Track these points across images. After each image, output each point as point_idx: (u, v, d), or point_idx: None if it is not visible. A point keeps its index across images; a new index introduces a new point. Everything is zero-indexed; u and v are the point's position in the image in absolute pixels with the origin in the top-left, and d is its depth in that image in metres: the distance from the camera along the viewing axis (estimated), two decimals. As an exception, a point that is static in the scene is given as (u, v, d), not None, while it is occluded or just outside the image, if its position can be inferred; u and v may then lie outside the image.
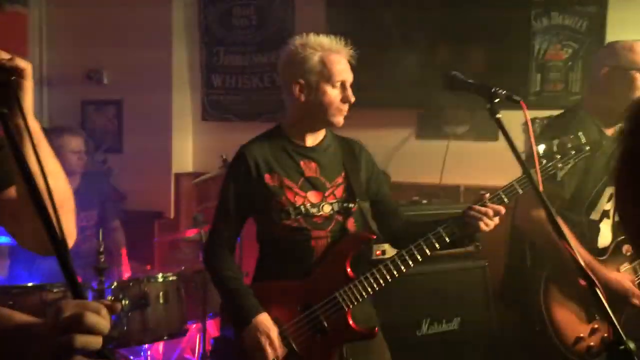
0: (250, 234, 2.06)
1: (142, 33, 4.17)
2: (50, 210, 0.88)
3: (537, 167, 1.71)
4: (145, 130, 4.23)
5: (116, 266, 3.42)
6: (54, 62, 4.50)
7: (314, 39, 1.87)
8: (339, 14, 3.63)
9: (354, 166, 1.98)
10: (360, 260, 1.94)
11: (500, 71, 3.25)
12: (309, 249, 1.88)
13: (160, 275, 2.87)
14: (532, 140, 1.62)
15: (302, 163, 1.92)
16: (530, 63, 3.35)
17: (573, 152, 1.91)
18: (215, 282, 1.97)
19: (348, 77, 1.89)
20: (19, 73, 1.03)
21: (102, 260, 2.62)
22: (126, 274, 3.29)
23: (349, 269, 1.86)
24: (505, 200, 1.85)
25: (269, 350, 1.78)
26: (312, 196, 1.90)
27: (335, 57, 1.87)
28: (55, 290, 2.57)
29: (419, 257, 1.84)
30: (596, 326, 2.15)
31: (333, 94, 1.87)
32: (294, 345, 1.84)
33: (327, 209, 1.90)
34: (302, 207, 1.87)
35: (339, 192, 1.93)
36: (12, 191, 1.21)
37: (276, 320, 1.84)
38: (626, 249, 2.26)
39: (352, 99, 1.89)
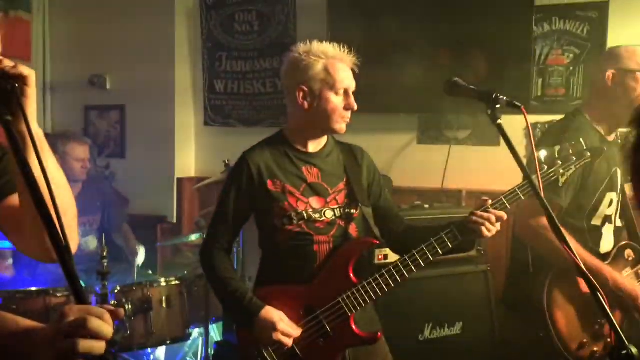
0: (252, 239, 2.07)
1: (145, 39, 4.19)
2: (54, 217, 0.89)
3: (538, 173, 1.71)
4: (148, 135, 4.25)
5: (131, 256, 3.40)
6: (57, 68, 4.53)
7: (318, 46, 1.89)
8: (341, 20, 3.65)
9: (355, 172, 1.99)
10: (363, 265, 1.95)
11: (502, 76, 3.26)
12: (312, 253, 1.89)
13: (163, 279, 2.88)
14: (533, 146, 1.63)
15: (304, 169, 1.93)
16: (532, 68, 3.36)
17: (574, 159, 1.91)
18: (213, 283, 1.98)
19: (351, 84, 1.90)
20: (22, 80, 1.04)
21: (105, 264, 2.63)
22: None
23: (351, 274, 1.87)
24: (508, 206, 1.85)
25: (285, 340, 1.78)
26: (314, 202, 1.90)
27: (339, 64, 1.88)
28: (58, 294, 2.58)
29: (422, 262, 1.84)
30: (599, 331, 2.15)
31: (336, 101, 1.88)
32: (297, 349, 1.84)
33: (329, 214, 1.91)
34: (304, 212, 1.88)
35: (341, 197, 1.94)
36: (14, 199, 1.22)
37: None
38: (628, 254, 2.26)
39: (355, 107, 1.90)
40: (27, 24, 4.38)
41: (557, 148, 1.92)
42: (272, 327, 1.79)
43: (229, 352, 2.84)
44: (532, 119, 3.27)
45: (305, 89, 1.87)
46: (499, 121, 1.57)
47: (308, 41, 1.91)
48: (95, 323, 0.86)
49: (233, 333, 2.00)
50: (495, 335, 2.94)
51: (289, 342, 1.80)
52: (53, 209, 0.89)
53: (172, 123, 4.21)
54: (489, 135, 3.51)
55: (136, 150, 4.33)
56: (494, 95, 1.58)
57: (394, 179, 3.47)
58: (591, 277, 1.29)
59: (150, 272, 3.59)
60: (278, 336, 1.79)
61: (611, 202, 2.23)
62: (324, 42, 1.92)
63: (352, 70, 1.92)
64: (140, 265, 3.39)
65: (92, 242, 3.48)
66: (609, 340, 2.13)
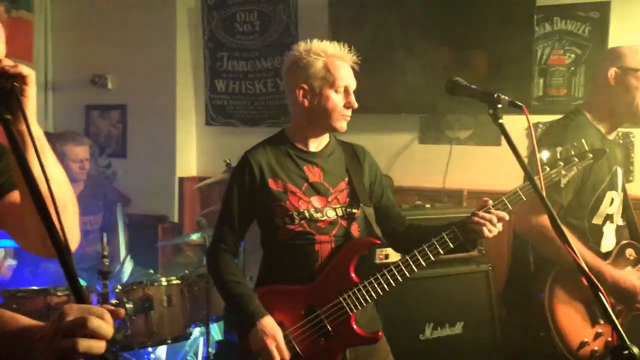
0: (254, 239, 2.07)
1: (147, 38, 4.20)
2: (53, 215, 0.89)
3: (540, 173, 1.71)
4: (150, 134, 4.26)
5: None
6: (59, 67, 4.53)
7: (318, 44, 1.89)
8: (342, 19, 3.65)
9: (357, 171, 1.99)
10: (364, 264, 1.95)
11: (503, 76, 3.26)
12: (313, 253, 1.89)
13: (163, 278, 2.88)
14: (535, 146, 1.63)
15: (305, 168, 1.93)
16: (533, 68, 3.36)
17: (576, 160, 1.91)
18: (218, 286, 1.97)
19: (351, 82, 1.91)
20: (22, 80, 1.05)
21: (107, 263, 2.64)
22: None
23: (353, 274, 1.87)
24: (510, 207, 1.85)
25: (275, 353, 1.78)
26: (316, 201, 1.91)
27: (339, 63, 1.88)
28: (59, 293, 2.58)
29: (423, 262, 1.85)
30: (600, 330, 2.15)
31: (336, 99, 1.88)
32: (298, 349, 1.84)
33: (330, 214, 1.91)
34: (306, 212, 1.88)
35: (343, 197, 1.94)
36: (15, 195, 1.23)
37: (280, 324, 1.85)
38: (629, 253, 2.26)
39: (355, 105, 1.90)
40: (29, 24, 4.38)
41: (559, 149, 1.92)
42: (271, 335, 1.78)
43: (230, 351, 2.84)
44: (534, 119, 3.27)
45: (306, 87, 1.88)
46: (500, 121, 1.57)
47: (308, 40, 1.91)
48: (95, 322, 0.86)
49: (234, 332, 2.00)
50: (496, 335, 2.94)
51: (277, 357, 1.78)
52: (52, 207, 0.90)
53: (173, 122, 4.22)
54: (490, 135, 3.51)
55: (137, 150, 4.34)
56: (496, 95, 1.58)
57: (395, 179, 3.47)
58: (593, 277, 1.29)
59: (151, 271, 3.60)
60: (272, 347, 1.77)
61: (612, 200, 2.23)
62: (325, 41, 1.92)
63: (353, 69, 1.92)
64: (125, 274, 3.39)
65: (94, 242, 3.49)
66: (609, 339, 2.13)
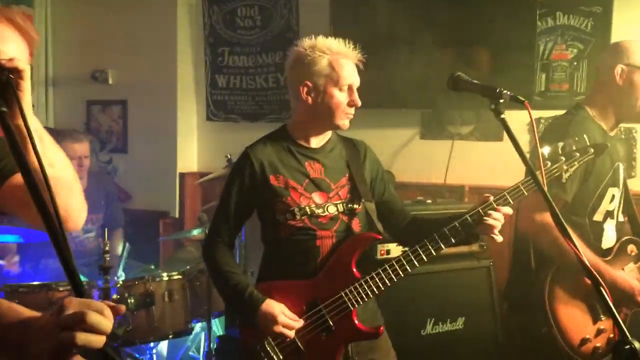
0: (255, 235, 2.07)
1: (147, 33, 4.19)
2: (54, 216, 0.88)
3: (542, 169, 1.71)
4: (150, 130, 4.26)
5: None
6: (60, 63, 4.53)
7: (323, 41, 1.88)
8: (343, 14, 3.63)
9: (358, 167, 1.99)
10: (365, 260, 1.95)
11: (505, 71, 3.25)
12: (315, 248, 1.89)
13: (165, 274, 2.88)
14: (537, 141, 1.62)
15: (307, 164, 1.93)
16: (535, 63, 3.35)
17: (578, 155, 1.91)
18: (214, 277, 1.99)
19: (355, 81, 1.90)
20: (18, 74, 1.06)
21: (108, 259, 2.64)
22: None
23: (354, 269, 1.87)
24: (511, 202, 1.85)
25: (286, 332, 1.79)
26: (317, 197, 1.90)
27: (344, 60, 1.88)
28: (61, 289, 2.58)
29: (424, 257, 1.85)
30: (602, 327, 2.15)
31: (340, 97, 1.88)
32: (299, 344, 1.85)
33: (332, 209, 1.91)
34: (307, 207, 1.88)
35: (344, 193, 1.94)
36: (17, 178, 1.24)
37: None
38: (631, 249, 2.26)
39: (359, 103, 1.90)
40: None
41: (560, 144, 1.91)
42: (273, 319, 1.79)
43: (232, 347, 2.84)
44: (536, 114, 3.26)
45: (310, 84, 1.87)
46: (502, 116, 1.56)
47: (313, 36, 1.91)
48: (94, 317, 0.86)
49: (235, 327, 2.00)
50: (497, 331, 2.94)
51: (290, 334, 1.81)
52: (51, 205, 0.90)
53: (174, 118, 4.21)
54: (492, 130, 3.50)
55: (138, 145, 4.34)
56: (498, 90, 1.57)
57: (397, 175, 3.46)
58: (594, 273, 1.28)
59: (152, 266, 3.60)
60: (279, 328, 1.79)
61: (613, 197, 2.23)
62: (328, 37, 1.91)
63: (357, 66, 1.92)
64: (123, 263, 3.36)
65: (94, 239, 3.49)
66: (611, 335, 2.13)
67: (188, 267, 3.06)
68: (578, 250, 1.32)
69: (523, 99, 1.54)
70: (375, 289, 1.85)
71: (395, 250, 2.72)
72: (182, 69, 4.23)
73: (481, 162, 3.50)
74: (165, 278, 2.84)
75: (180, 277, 2.88)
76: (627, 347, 1.20)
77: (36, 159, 0.95)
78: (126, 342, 2.71)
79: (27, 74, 1.07)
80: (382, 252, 2.77)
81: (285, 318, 1.81)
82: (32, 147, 0.97)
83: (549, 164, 1.88)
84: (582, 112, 2.24)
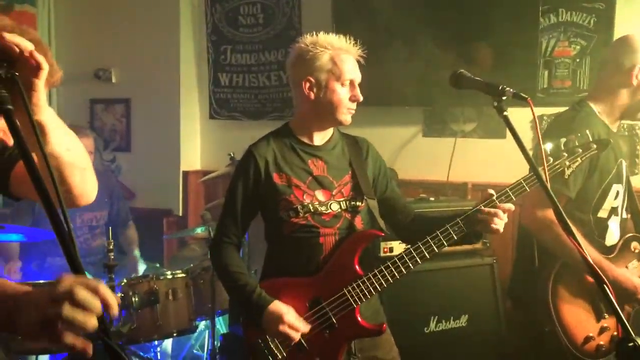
0: (258, 232, 2.08)
1: (150, 32, 4.19)
2: (57, 213, 0.89)
3: (545, 165, 1.70)
4: (154, 128, 4.26)
5: (128, 264, 3.46)
6: (63, 61, 4.51)
7: (324, 37, 1.89)
8: (346, 12, 3.63)
9: (361, 164, 1.99)
10: (368, 257, 1.95)
11: (508, 68, 3.24)
12: (317, 245, 1.89)
13: (169, 272, 2.90)
14: (539, 138, 1.62)
15: (310, 162, 1.93)
16: (538, 60, 3.34)
17: (580, 150, 1.91)
18: (222, 278, 1.99)
19: (357, 76, 1.91)
20: (35, 71, 1.05)
21: (112, 257, 2.65)
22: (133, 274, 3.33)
23: (357, 266, 1.88)
24: (513, 198, 1.85)
25: (292, 334, 1.80)
26: (320, 195, 1.91)
27: (345, 56, 1.89)
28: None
29: (427, 254, 1.85)
30: (605, 325, 2.14)
31: (342, 92, 1.88)
32: (302, 341, 1.85)
33: (335, 207, 1.91)
34: (310, 205, 1.89)
35: (347, 190, 1.94)
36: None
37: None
38: (634, 246, 2.26)
39: (361, 98, 1.91)
40: (32, 18, 4.39)
41: (562, 140, 1.91)
42: (279, 320, 1.80)
43: (235, 344, 2.85)
44: (538, 111, 3.25)
45: (312, 80, 1.88)
46: (505, 113, 1.56)
47: (314, 33, 1.91)
48: (82, 294, 0.85)
49: (239, 325, 2.01)
50: (500, 328, 2.94)
51: (296, 336, 1.81)
52: (57, 199, 0.90)
53: (177, 116, 4.22)
54: (494, 127, 3.49)
55: (142, 144, 4.34)
56: (500, 87, 1.57)
57: (399, 172, 3.46)
58: (597, 270, 1.29)
59: (157, 265, 3.62)
60: (285, 329, 1.80)
61: (617, 194, 2.23)
62: (330, 33, 1.92)
63: (358, 62, 1.92)
64: (137, 270, 3.44)
65: (99, 237, 3.50)
66: (615, 333, 2.13)
67: (192, 265, 3.08)
68: (580, 247, 1.32)
69: (526, 96, 1.54)
70: (378, 286, 1.85)
71: (398, 247, 2.73)
72: (185, 67, 4.24)
73: (484, 159, 3.50)
74: (169, 276, 2.85)
75: (184, 275, 2.89)
76: (630, 344, 1.21)
77: (43, 157, 0.95)
78: (130, 340, 2.73)
79: (44, 74, 1.07)
80: (385, 249, 2.77)
81: (292, 319, 1.82)
82: (38, 143, 0.98)
83: (551, 160, 1.88)
84: (585, 108, 2.23)
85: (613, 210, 2.24)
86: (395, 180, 3.06)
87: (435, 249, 1.85)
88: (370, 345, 1.94)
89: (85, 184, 1.33)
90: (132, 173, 4.30)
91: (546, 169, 1.75)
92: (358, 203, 1.93)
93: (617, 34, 3.17)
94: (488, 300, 2.95)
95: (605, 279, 1.26)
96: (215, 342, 2.98)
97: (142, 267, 3.49)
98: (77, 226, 3.38)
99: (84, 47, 4.41)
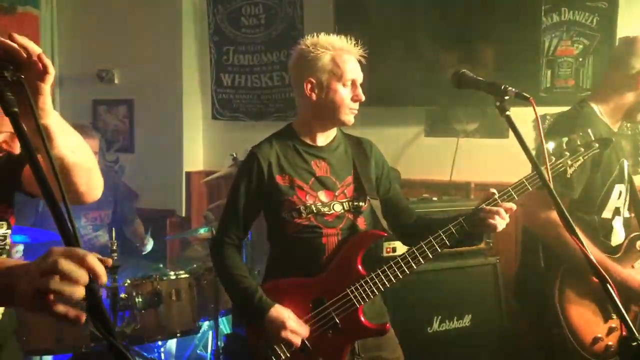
0: (260, 233, 2.08)
1: (152, 33, 4.20)
2: (61, 212, 0.90)
3: (547, 164, 1.70)
4: (156, 129, 4.27)
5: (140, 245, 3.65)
6: (66, 63, 4.54)
7: (325, 38, 1.90)
8: (348, 12, 3.63)
9: (364, 165, 1.99)
10: (371, 257, 1.95)
11: (510, 68, 3.24)
12: (320, 246, 1.89)
13: (172, 273, 2.90)
14: (542, 137, 1.62)
15: (313, 163, 1.94)
16: (541, 59, 3.33)
17: (582, 149, 1.90)
18: (223, 280, 1.99)
19: (358, 76, 1.91)
20: (42, 75, 1.07)
21: (115, 258, 2.65)
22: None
23: (360, 266, 1.88)
24: (515, 197, 1.85)
25: (293, 339, 1.80)
26: (323, 195, 1.91)
27: (346, 56, 1.89)
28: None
29: (430, 254, 1.85)
30: (614, 325, 2.13)
31: (344, 92, 1.88)
32: (306, 341, 1.85)
33: (337, 208, 1.91)
34: (313, 206, 1.89)
35: (350, 191, 1.94)
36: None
37: (288, 317, 1.86)
38: (639, 245, 2.25)
39: (363, 98, 1.91)
40: (35, 19, 4.40)
41: (564, 139, 1.91)
42: (281, 326, 1.80)
43: (239, 345, 2.86)
44: (541, 110, 3.23)
45: (313, 80, 1.88)
46: (507, 113, 1.56)
47: (315, 34, 1.92)
48: (65, 265, 0.86)
49: (242, 326, 2.01)
50: (504, 328, 2.94)
51: (297, 340, 1.82)
52: (61, 198, 0.91)
53: (180, 117, 4.22)
54: (497, 127, 3.49)
55: (145, 145, 4.35)
56: (503, 87, 1.57)
57: (402, 172, 3.46)
58: (600, 269, 1.28)
59: (160, 265, 3.62)
60: (287, 335, 1.80)
61: (620, 194, 2.22)
62: (332, 34, 1.92)
63: (359, 62, 1.92)
64: (148, 251, 3.61)
65: (103, 236, 3.51)
66: (623, 334, 2.12)
67: (195, 265, 3.08)
68: (584, 247, 1.32)
69: (528, 96, 1.54)
70: (381, 287, 1.85)
71: (401, 247, 2.72)
72: (187, 68, 4.24)
73: (487, 159, 3.50)
74: (173, 277, 2.86)
75: (187, 275, 2.90)
76: (635, 343, 1.20)
77: (48, 160, 0.96)
78: (134, 341, 2.73)
79: (50, 78, 1.09)
80: (388, 249, 2.77)
81: (293, 324, 1.82)
82: (44, 147, 0.98)
83: (554, 159, 1.87)
84: (587, 108, 2.23)
85: (616, 210, 2.23)
86: (398, 181, 3.06)
87: (438, 248, 1.85)
88: (374, 345, 1.94)
89: (90, 183, 1.36)
90: (135, 174, 4.30)
91: (549, 169, 1.75)
92: (361, 204, 1.94)
93: (620, 33, 3.16)
94: (491, 300, 2.95)
95: (611, 280, 1.25)
96: (219, 343, 2.99)
97: (149, 245, 3.64)
98: (81, 225, 3.39)
99: (87, 48, 4.42)
